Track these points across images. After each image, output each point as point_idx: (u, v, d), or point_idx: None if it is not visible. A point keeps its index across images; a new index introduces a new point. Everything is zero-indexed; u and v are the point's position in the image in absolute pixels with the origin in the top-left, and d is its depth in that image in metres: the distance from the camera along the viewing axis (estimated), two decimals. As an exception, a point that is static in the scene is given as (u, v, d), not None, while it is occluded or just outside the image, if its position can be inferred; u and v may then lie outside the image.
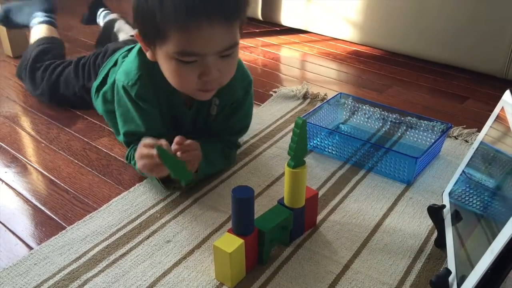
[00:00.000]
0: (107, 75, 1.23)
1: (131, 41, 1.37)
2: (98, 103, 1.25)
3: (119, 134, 1.11)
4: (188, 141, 0.93)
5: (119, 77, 1.05)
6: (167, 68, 0.95)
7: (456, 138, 1.28)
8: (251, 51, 1.91)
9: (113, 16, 1.73)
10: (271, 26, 2.15)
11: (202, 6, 0.84)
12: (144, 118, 1.04)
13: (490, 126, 0.90)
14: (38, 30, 1.63)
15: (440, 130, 1.21)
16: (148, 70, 1.01)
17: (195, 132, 1.10)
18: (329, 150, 1.20)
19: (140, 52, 1.02)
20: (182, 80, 0.95)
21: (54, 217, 1.00)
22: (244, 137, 1.27)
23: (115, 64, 1.22)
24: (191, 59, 0.90)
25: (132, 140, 1.06)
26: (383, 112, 1.30)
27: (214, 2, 0.86)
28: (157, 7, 0.85)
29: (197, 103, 1.07)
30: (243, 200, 0.80)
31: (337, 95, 1.34)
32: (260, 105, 1.45)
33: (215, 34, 0.88)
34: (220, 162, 1.12)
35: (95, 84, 1.27)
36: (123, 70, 1.05)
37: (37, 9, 1.70)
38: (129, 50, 1.24)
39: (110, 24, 1.68)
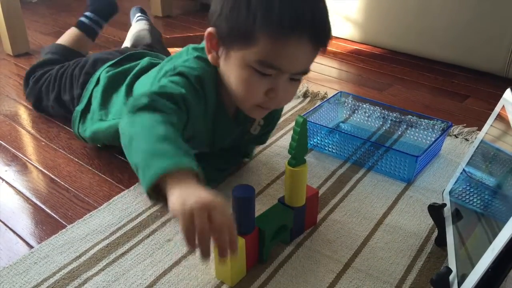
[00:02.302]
0: (90, 96, 1.17)
1: (116, 52, 1.30)
2: (85, 129, 1.16)
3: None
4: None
5: (191, 65, 0.92)
6: (236, 75, 0.87)
7: (457, 137, 1.28)
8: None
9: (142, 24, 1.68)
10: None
11: (304, 23, 0.81)
12: (192, 97, 0.88)
13: (491, 125, 0.90)
14: (67, 33, 1.59)
15: (441, 128, 1.21)
16: (205, 73, 0.92)
17: (222, 146, 1.07)
18: (330, 149, 1.20)
19: (199, 56, 0.93)
20: (249, 90, 0.87)
21: (55, 215, 1.00)
22: (244, 136, 1.27)
23: (97, 83, 1.16)
24: (269, 72, 0.85)
25: (157, 101, 0.81)
26: (383, 111, 1.30)
27: (315, 22, 0.83)
28: (259, 10, 0.80)
29: (242, 119, 1.01)
30: (244, 199, 0.80)
31: (337, 93, 1.34)
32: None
33: (301, 54, 0.84)
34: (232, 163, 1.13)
35: (79, 109, 1.18)
36: (182, 63, 0.93)
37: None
38: (114, 65, 1.20)
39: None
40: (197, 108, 0.89)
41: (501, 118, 0.87)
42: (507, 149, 0.80)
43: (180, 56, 0.98)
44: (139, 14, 1.74)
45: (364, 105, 1.32)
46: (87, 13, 1.61)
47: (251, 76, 0.85)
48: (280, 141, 1.26)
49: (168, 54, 1.52)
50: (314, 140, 1.22)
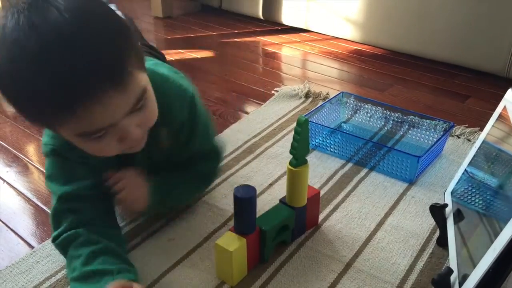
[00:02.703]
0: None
1: None
2: None
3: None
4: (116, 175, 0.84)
5: (45, 139, 0.85)
6: (78, 145, 0.75)
7: (459, 137, 1.28)
8: (252, 50, 1.91)
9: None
10: (272, 25, 2.14)
11: (82, 83, 0.65)
12: (88, 172, 0.84)
13: (492, 125, 0.90)
14: None
15: (443, 129, 1.21)
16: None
17: (161, 169, 0.93)
18: (331, 149, 1.20)
19: None
20: (102, 152, 0.76)
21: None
22: (245, 136, 1.27)
23: None
24: (101, 133, 0.71)
25: (69, 208, 0.82)
26: (385, 111, 1.30)
27: (93, 73, 0.65)
28: (31, 94, 0.66)
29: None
30: (245, 199, 0.80)
31: (339, 94, 1.34)
32: (262, 104, 1.45)
33: (112, 103, 0.68)
34: (193, 183, 0.97)
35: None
36: (47, 134, 0.85)
37: None
38: None
39: None
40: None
41: (502, 118, 0.87)
42: (509, 150, 0.80)
43: None
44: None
45: (366, 106, 1.32)
46: None
47: (90, 144, 0.73)
48: (282, 141, 1.26)
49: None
50: (316, 140, 1.22)
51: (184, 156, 0.94)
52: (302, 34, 2.06)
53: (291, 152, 0.85)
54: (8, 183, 1.11)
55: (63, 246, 0.81)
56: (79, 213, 0.82)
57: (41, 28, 0.64)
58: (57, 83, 0.64)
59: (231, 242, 0.80)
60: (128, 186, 0.84)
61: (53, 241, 0.82)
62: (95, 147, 0.74)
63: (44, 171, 0.87)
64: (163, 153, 0.91)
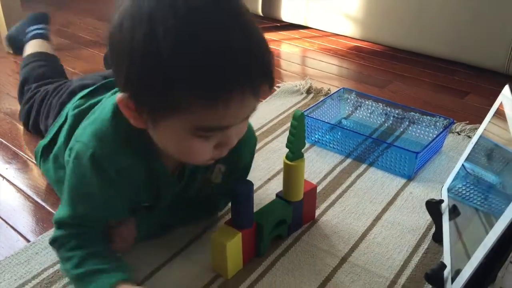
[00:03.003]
0: (57, 134, 1.00)
1: (100, 76, 1.12)
2: (48, 169, 1.02)
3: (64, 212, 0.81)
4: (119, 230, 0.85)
5: (83, 139, 0.77)
6: (174, 143, 0.72)
7: (459, 134, 1.28)
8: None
9: None
10: (271, 22, 2.14)
11: (236, 77, 0.64)
12: (111, 199, 0.79)
13: (490, 121, 0.90)
14: (28, 47, 1.49)
15: (443, 125, 1.21)
16: (127, 135, 0.76)
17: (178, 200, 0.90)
18: (331, 145, 1.20)
19: (118, 111, 0.74)
20: (195, 154, 0.73)
21: (55, 213, 1.00)
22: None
23: (65, 120, 0.98)
24: (213, 133, 0.71)
25: (76, 224, 0.80)
26: (385, 108, 1.30)
27: (250, 70, 0.66)
28: (180, 75, 0.63)
29: (189, 171, 0.86)
30: (242, 194, 0.81)
31: (340, 90, 1.34)
32: (262, 100, 1.45)
33: (245, 106, 0.68)
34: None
35: (42, 143, 1.04)
36: (92, 132, 0.77)
37: (30, 24, 1.58)
38: (86, 96, 0.99)
39: None
40: (130, 187, 0.81)
41: (499, 114, 0.87)
42: (506, 145, 0.81)
43: (101, 112, 0.81)
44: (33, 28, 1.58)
45: (367, 102, 1.32)
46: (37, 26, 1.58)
47: (194, 141, 0.70)
48: (282, 137, 1.26)
49: None
50: (316, 136, 1.23)
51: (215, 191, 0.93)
52: (301, 30, 2.05)
53: (287, 146, 0.85)
54: (7, 180, 1.12)
55: (57, 248, 0.81)
56: (84, 237, 0.80)
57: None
58: (223, 63, 0.63)
59: (227, 235, 0.81)
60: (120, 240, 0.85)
61: (51, 243, 0.82)
62: (195, 148, 0.71)
63: (67, 173, 0.80)
64: (206, 187, 0.90)
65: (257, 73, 0.66)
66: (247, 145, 0.88)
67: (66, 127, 0.96)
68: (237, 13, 0.66)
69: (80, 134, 0.79)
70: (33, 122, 1.21)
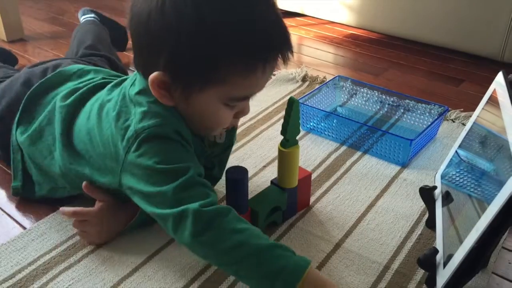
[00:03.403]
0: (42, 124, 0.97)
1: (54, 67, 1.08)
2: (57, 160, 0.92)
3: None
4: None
5: (141, 126, 0.77)
6: (201, 113, 0.79)
7: (453, 121, 1.28)
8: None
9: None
10: (269, 10, 2.14)
11: (272, 45, 0.76)
12: (191, 153, 0.81)
13: (483, 108, 0.91)
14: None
15: (437, 113, 1.21)
16: (172, 119, 0.79)
17: None
18: (326, 132, 1.21)
19: (151, 102, 0.79)
20: (220, 122, 0.82)
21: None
22: (242, 119, 1.27)
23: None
24: (239, 102, 0.80)
25: (203, 182, 0.77)
26: (381, 95, 1.30)
27: (285, 40, 0.77)
28: (224, 51, 0.72)
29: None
30: (237, 180, 0.81)
31: (335, 77, 1.35)
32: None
33: (270, 75, 0.80)
34: None
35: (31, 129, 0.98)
36: (143, 118, 0.78)
37: None
38: (72, 92, 0.95)
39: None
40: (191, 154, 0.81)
41: (493, 101, 0.87)
42: (498, 132, 0.81)
43: (126, 106, 0.82)
44: (85, 16, 1.60)
45: (362, 89, 1.32)
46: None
47: (222, 111, 0.79)
48: (277, 124, 1.26)
49: (113, 52, 1.43)
50: (311, 124, 1.23)
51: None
52: (297, 18, 2.05)
53: (282, 133, 0.86)
54: (3, 168, 1.11)
55: (217, 215, 0.71)
56: (210, 188, 0.77)
57: None
58: (261, 35, 0.74)
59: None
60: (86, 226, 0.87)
61: (203, 206, 0.71)
62: (222, 116, 0.80)
63: (147, 159, 0.76)
64: (214, 152, 0.93)
65: (285, 41, 0.77)
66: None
67: (58, 118, 0.92)
68: None
69: (134, 125, 0.78)
70: None
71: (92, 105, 0.89)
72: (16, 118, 0.99)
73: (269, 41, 0.75)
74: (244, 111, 0.84)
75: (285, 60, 0.78)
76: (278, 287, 0.68)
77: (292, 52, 0.79)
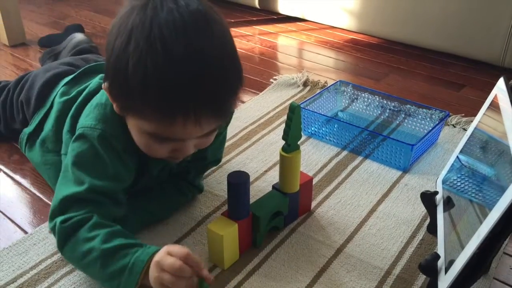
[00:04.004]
0: (42, 121, 1.03)
1: (64, 65, 1.13)
2: (34, 154, 1.05)
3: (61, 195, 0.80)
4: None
5: (90, 123, 0.82)
6: (135, 136, 0.80)
7: (454, 126, 1.28)
8: (248, 39, 1.91)
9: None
10: (268, 14, 2.14)
11: (191, 102, 0.71)
12: (121, 169, 0.83)
13: (484, 113, 0.91)
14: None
15: (438, 118, 1.22)
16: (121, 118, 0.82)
17: (156, 180, 0.95)
18: (327, 137, 1.21)
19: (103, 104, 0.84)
20: (151, 151, 0.81)
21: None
22: (243, 124, 1.28)
23: (51, 106, 1.02)
24: (168, 141, 0.78)
25: (91, 199, 0.79)
26: (382, 100, 1.30)
27: (206, 97, 0.72)
28: (139, 87, 0.71)
29: None
30: (238, 185, 0.81)
31: (336, 82, 1.35)
32: (258, 93, 1.46)
33: (202, 126, 0.74)
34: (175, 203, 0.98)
35: (27, 131, 1.07)
36: (99, 116, 0.82)
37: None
38: (70, 83, 1.02)
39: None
40: (133, 162, 0.85)
41: (494, 106, 0.87)
42: (500, 137, 0.81)
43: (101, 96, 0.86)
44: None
45: (363, 94, 1.33)
46: None
47: (151, 142, 0.78)
48: (278, 129, 1.26)
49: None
50: (312, 129, 1.23)
51: (190, 164, 0.96)
52: (298, 23, 2.05)
53: (283, 138, 0.86)
54: (5, 173, 1.12)
55: (73, 228, 0.77)
56: (102, 206, 0.80)
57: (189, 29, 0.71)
58: (186, 83, 0.70)
59: (223, 226, 0.82)
60: None
61: (62, 222, 0.77)
62: (152, 147, 0.79)
63: (72, 154, 0.82)
64: (183, 163, 0.91)
65: (219, 99, 0.74)
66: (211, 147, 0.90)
67: (54, 114, 1.00)
68: (207, 40, 0.72)
69: (85, 120, 0.84)
70: (5, 126, 1.18)
71: None
72: (69, 78, 1.04)
73: (192, 97, 0.71)
74: (183, 151, 0.80)
75: (198, 122, 0.73)
76: (122, 286, 0.73)
77: (219, 116, 0.76)
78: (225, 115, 0.78)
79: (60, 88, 1.02)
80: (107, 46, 0.76)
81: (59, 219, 0.77)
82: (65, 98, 0.99)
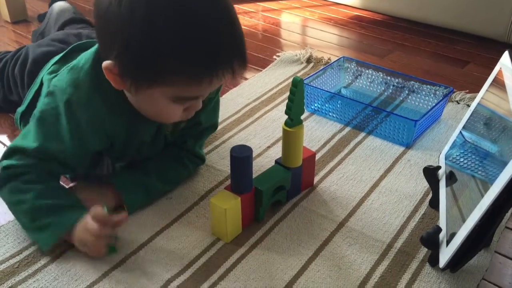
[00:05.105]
0: (34, 99, 1.00)
1: (57, 43, 1.12)
2: None
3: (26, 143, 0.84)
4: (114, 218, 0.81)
5: (61, 85, 0.83)
6: (150, 106, 0.81)
7: (458, 103, 1.28)
8: (251, 16, 1.90)
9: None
10: (273, -9, 2.13)
11: (219, 61, 0.73)
12: (77, 147, 0.84)
13: (487, 89, 0.90)
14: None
15: (442, 94, 1.21)
16: (104, 90, 0.82)
17: (151, 150, 0.95)
18: (330, 114, 1.21)
19: (97, 65, 0.80)
20: (168, 116, 0.83)
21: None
22: (246, 100, 1.28)
23: (41, 85, 1.00)
24: (190, 101, 0.81)
25: (39, 157, 0.83)
26: (386, 77, 1.30)
27: (241, 51, 0.76)
28: (172, 57, 0.71)
29: None
30: (241, 158, 0.81)
31: (340, 58, 1.34)
32: (261, 70, 1.45)
33: (220, 82, 0.77)
34: (175, 177, 0.98)
35: (20, 110, 1.06)
36: (72, 79, 0.83)
37: None
38: (59, 61, 1.00)
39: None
40: (96, 142, 0.86)
41: (497, 81, 0.87)
42: (503, 113, 0.81)
43: (81, 62, 0.85)
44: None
45: (367, 71, 1.32)
46: None
47: (170, 107, 0.79)
48: (281, 105, 1.26)
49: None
50: (315, 105, 1.23)
51: (184, 132, 0.97)
52: (302, 0, 2.04)
53: (286, 113, 0.86)
54: None
55: (13, 175, 0.83)
56: (47, 165, 0.84)
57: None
58: (209, 43, 0.71)
59: (226, 200, 0.82)
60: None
61: (4, 168, 0.84)
62: (170, 111, 0.81)
63: (39, 109, 0.85)
64: (177, 129, 0.94)
65: (237, 56, 0.75)
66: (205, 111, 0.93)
67: (44, 92, 0.96)
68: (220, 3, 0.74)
69: (58, 80, 0.85)
70: (2, 97, 1.19)
71: None
72: (57, 58, 1.02)
73: (218, 57, 0.73)
74: (195, 106, 0.83)
75: (235, 75, 0.76)
76: (43, 237, 0.81)
77: (244, 65, 0.77)
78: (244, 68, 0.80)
79: (50, 66, 1.01)
80: (109, 19, 0.72)
81: (4, 163, 0.84)
82: (53, 76, 0.96)
